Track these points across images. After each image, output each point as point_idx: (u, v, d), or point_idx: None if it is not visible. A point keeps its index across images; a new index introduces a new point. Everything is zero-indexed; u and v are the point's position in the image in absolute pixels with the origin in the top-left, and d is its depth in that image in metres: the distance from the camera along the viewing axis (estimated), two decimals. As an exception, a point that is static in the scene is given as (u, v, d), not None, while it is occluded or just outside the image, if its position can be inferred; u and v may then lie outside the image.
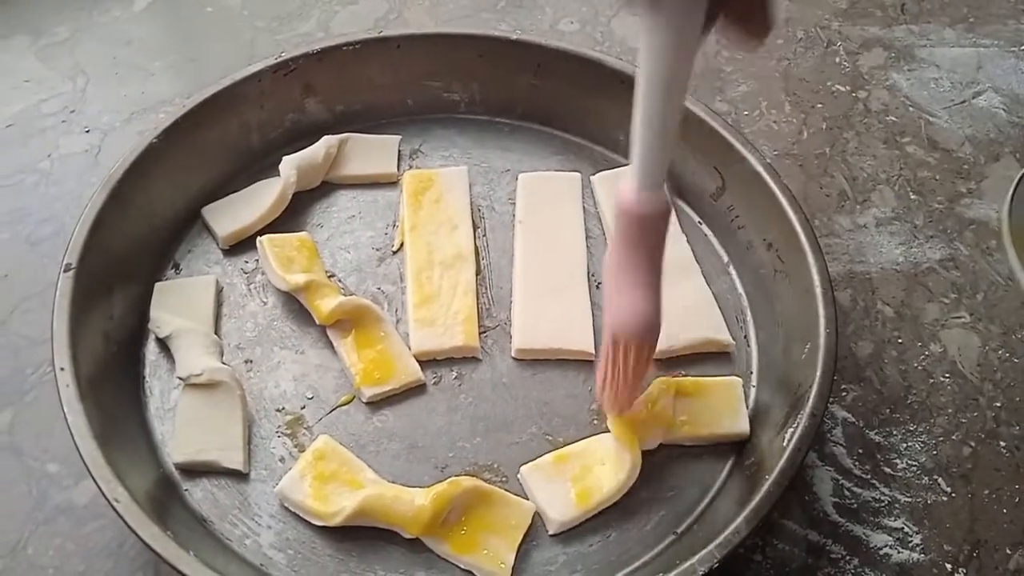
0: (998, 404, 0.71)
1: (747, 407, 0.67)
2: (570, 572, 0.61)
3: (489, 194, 0.81)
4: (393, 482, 0.63)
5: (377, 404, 0.68)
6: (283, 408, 0.67)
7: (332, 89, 0.82)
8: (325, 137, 0.80)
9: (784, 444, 0.60)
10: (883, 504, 0.66)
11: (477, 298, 0.73)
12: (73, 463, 0.64)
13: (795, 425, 0.61)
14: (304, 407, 0.67)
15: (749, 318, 0.73)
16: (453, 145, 0.84)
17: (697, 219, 0.79)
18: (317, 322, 0.70)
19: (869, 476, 0.67)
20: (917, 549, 0.64)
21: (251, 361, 0.69)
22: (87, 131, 0.88)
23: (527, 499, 0.63)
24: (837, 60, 0.97)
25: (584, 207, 0.79)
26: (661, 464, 0.65)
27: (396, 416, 0.67)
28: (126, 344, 0.69)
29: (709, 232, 0.78)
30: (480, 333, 0.71)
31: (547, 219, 0.78)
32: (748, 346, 0.72)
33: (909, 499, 0.66)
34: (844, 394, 0.71)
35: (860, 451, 0.68)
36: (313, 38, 0.97)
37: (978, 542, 0.64)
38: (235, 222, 0.76)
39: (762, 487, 0.58)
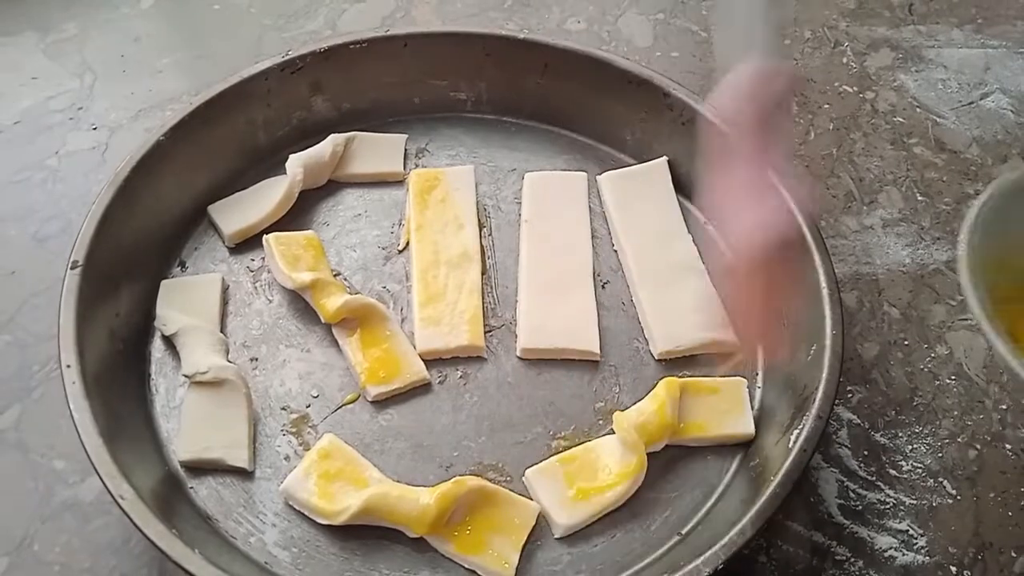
0: (1004, 407, 0.71)
1: (752, 408, 0.67)
2: (574, 572, 0.61)
3: (495, 193, 0.81)
4: (398, 481, 0.63)
5: (382, 403, 0.68)
6: (288, 406, 0.67)
7: (339, 87, 0.83)
8: (332, 135, 0.80)
9: (789, 446, 0.60)
10: (888, 506, 0.65)
11: (483, 297, 0.73)
12: (79, 460, 0.64)
13: (801, 427, 0.61)
14: (309, 405, 0.67)
15: (755, 319, 0.73)
16: (460, 144, 0.84)
17: (703, 220, 0.79)
18: (323, 320, 0.70)
19: (874, 478, 0.67)
20: (922, 551, 0.64)
21: (257, 359, 0.70)
22: (94, 128, 0.88)
23: (532, 499, 0.63)
24: (844, 60, 0.97)
25: (590, 207, 0.79)
26: (666, 465, 0.65)
27: (401, 415, 0.67)
28: (132, 342, 0.69)
29: (715, 233, 0.78)
30: (485, 332, 0.71)
31: (553, 219, 0.78)
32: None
33: (914, 501, 0.66)
34: (850, 395, 0.71)
35: (865, 453, 0.68)
36: (320, 36, 0.97)
37: (983, 545, 0.64)
38: (241, 220, 0.76)
39: (767, 489, 0.58)
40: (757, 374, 0.70)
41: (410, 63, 0.83)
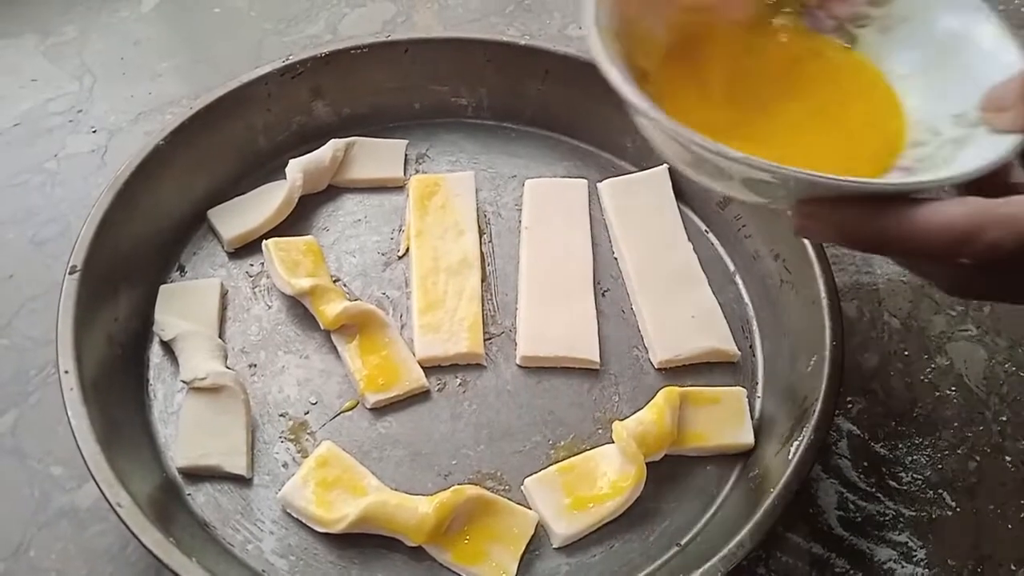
0: (1004, 418, 0.71)
1: (752, 418, 0.67)
2: (573, 583, 0.61)
3: (496, 200, 0.81)
4: (396, 489, 0.63)
5: (381, 410, 0.67)
6: (287, 413, 0.67)
7: (339, 92, 0.82)
8: (332, 140, 0.80)
9: (789, 457, 0.60)
10: (888, 518, 0.65)
11: (482, 305, 0.73)
12: (76, 466, 0.64)
13: (800, 438, 0.60)
14: (308, 412, 0.67)
15: (755, 328, 0.73)
16: (460, 150, 0.84)
17: (704, 228, 0.79)
18: (322, 327, 0.70)
19: (874, 489, 0.67)
20: (921, 564, 0.63)
21: (255, 365, 0.69)
22: (94, 131, 0.88)
23: (530, 508, 0.63)
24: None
25: (591, 214, 0.79)
26: (665, 475, 0.65)
27: (400, 423, 0.67)
28: (130, 347, 0.68)
29: (716, 241, 0.78)
30: (485, 340, 0.71)
31: (554, 226, 0.77)
32: (754, 357, 0.72)
33: (914, 513, 0.66)
34: (850, 406, 0.71)
35: (865, 464, 0.68)
36: (321, 40, 0.97)
37: (983, 557, 0.64)
38: (241, 225, 0.75)
39: (766, 500, 0.58)
40: (757, 384, 0.70)
41: (411, 68, 0.83)
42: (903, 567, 0.63)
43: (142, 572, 0.61)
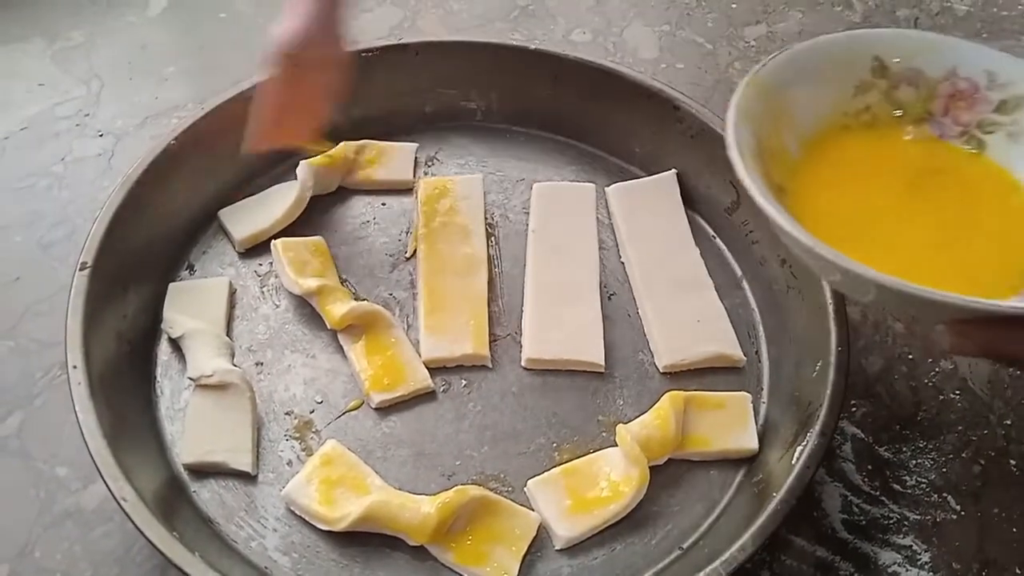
0: (1008, 422, 0.71)
1: (756, 423, 0.67)
2: (575, 584, 0.61)
3: (503, 203, 0.81)
4: (399, 489, 0.63)
5: (386, 410, 0.68)
6: (292, 411, 0.67)
7: (350, 94, 0.82)
8: (343, 142, 0.80)
9: (793, 462, 0.60)
10: (892, 521, 0.65)
11: (488, 306, 0.73)
12: (81, 467, 0.65)
13: (804, 443, 0.60)
14: (313, 411, 0.67)
15: (761, 333, 0.73)
16: (469, 153, 0.85)
17: (711, 233, 0.79)
18: (328, 327, 0.70)
19: (878, 493, 0.66)
20: (926, 567, 0.63)
21: (262, 364, 0.70)
22: (100, 135, 0.88)
23: (533, 510, 0.63)
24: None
25: (598, 218, 0.79)
26: (668, 478, 0.65)
27: (404, 423, 0.67)
28: (139, 344, 0.69)
29: (723, 246, 0.78)
30: (490, 342, 0.71)
31: (561, 229, 0.78)
32: (759, 362, 0.72)
33: (918, 516, 0.65)
34: (854, 409, 0.71)
35: (869, 467, 0.68)
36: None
37: (987, 561, 0.64)
38: (252, 226, 0.76)
39: (769, 504, 0.58)
40: (762, 389, 0.70)
41: (421, 72, 0.84)
42: (907, 570, 0.63)
43: (147, 573, 0.61)
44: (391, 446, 0.66)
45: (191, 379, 0.66)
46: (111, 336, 0.66)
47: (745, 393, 0.68)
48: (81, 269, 0.65)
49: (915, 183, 0.58)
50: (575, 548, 0.62)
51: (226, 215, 0.77)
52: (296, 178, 0.78)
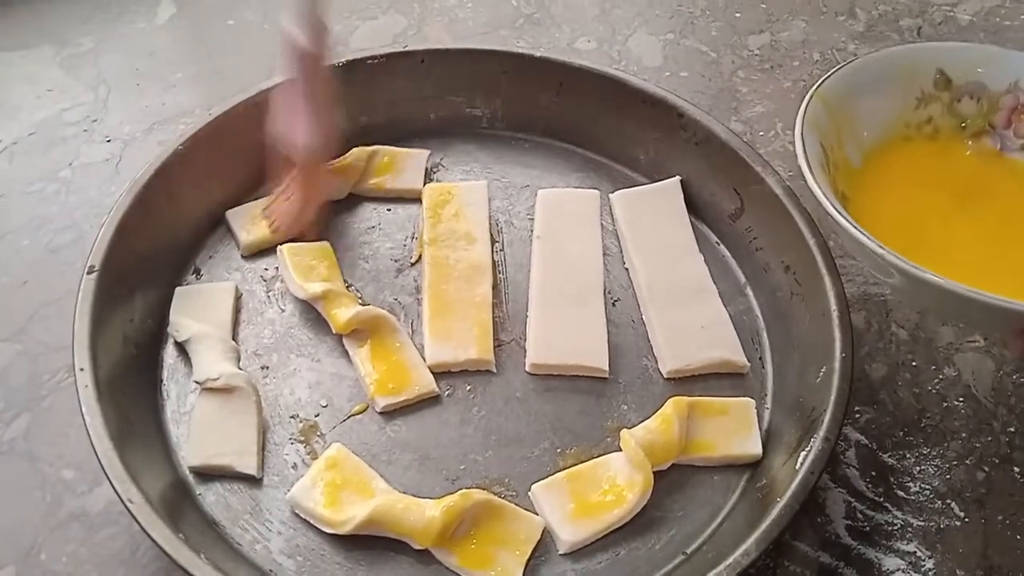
0: (1012, 429, 0.71)
1: (760, 429, 0.67)
2: (578, 589, 0.61)
3: (508, 209, 0.81)
4: (404, 492, 0.63)
5: (391, 414, 0.68)
6: (297, 415, 0.67)
7: (356, 101, 0.83)
8: (355, 149, 0.81)
9: (797, 467, 0.60)
10: (896, 527, 0.65)
11: (493, 312, 0.73)
12: (88, 470, 0.65)
13: (808, 449, 0.60)
14: (318, 415, 0.68)
15: (765, 340, 0.73)
16: (474, 160, 0.85)
17: (715, 239, 0.79)
18: (334, 331, 0.70)
19: (882, 499, 0.66)
20: (930, 574, 0.63)
21: (267, 367, 0.70)
22: (108, 141, 0.89)
23: (537, 514, 0.63)
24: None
25: (602, 224, 0.79)
26: (672, 484, 0.65)
27: (409, 427, 0.67)
28: (145, 347, 0.69)
29: (727, 253, 0.79)
30: (495, 347, 0.71)
31: (565, 235, 0.78)
32: (763, 368, 0.72)
33: (922, 523, 0.65)
34: (858, 416, 0.71)
35: (873, 474, 0.68)
36: (333, 52, 0.97)
37: (991, 568, 0.64)
38: (258, 231, 0.76)
39: (773, 510, 0.58)
40: (766, 395, 0.70)
41: (427, 79, 0.84)
42: (911, 577, 0.63)
43: (152, 575, 0.61)
44: (396, 450, 0.66)
45: (197, 382, 0.66)
46: (118, 339, 0.66)
47: (749, 399, 0.68)
48: (88, 273, 0.65)
49: (974, 194, 0.59)
50: (579, 552, 0.62)
51: (233, 216, 0.77)
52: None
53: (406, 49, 0.83)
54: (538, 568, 0.61)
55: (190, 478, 0.64)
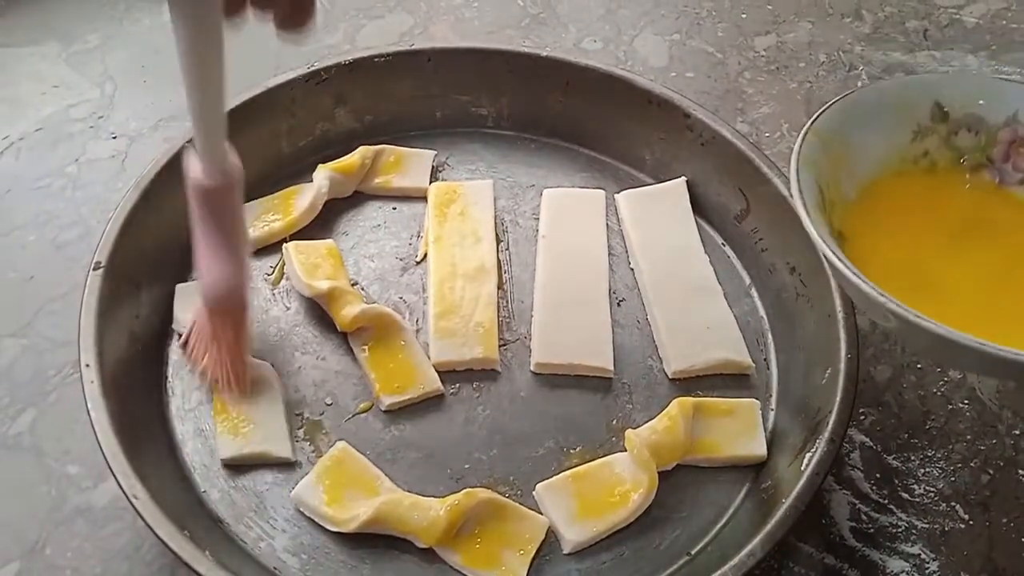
0: (1017, 432, 0.70)
1: (765, 430, 0.67)
2: (583, 588, 0.61)
3: (513, 208, 0.81)
4: (409, 491, 0.63)
5: (395, 413, 0.68)
6: (302, 413, 0.67)
7: (362, 100, 0.83)
8: (361, 148, 0.81)
9: (802, 468, 0.60)
10: (900, 529, 0.65)
11: (498, 311, 0.73)
12: (93, 465, 0.65)
13: (813, 450, 0.60)
14: (323, 413, 0.67)
15: (770, 341, 0.73)
16: (480, 159, 0.85)
17: (720, 240, 0.79)
18: (339, 329, 0.70)
19: (886, 501, 0.66)
20: (934, 576, 0.63)
21: (272, 365, 0.69)
22: (114, 137, 0.88)
23: (542, 514, 0.63)
24: (859, 84, 0.98)
25: (608, 224, 0.79)
26: (677, 484, 0.65)
27: (414, 425, 0.67)
28: (150, 343, 0.69)
29: (732, 254, 0.78)
30: (500, 346, 0.71)
31: (570, 235, 0.78)
32: (768, 369, 0.72)
33: (927, 525, 0.65)
34: (862, 418, 0.71)
35: (878, 475, 0.68)
36: (339, 50, 0.97)
37: (996, 570, 0.64)
38: (264, 226, 0.76)
39: (778, 511, 0.58)
40: (771, 396, 0.70)
41: (433, 78, 0.84)
42: (916, 579, 0.63)
43: (157, 571, 0.61)
44: (401, 448, 0.66)
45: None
46: (124, 335, 0.66)
47: (754, 400, 0.68)
48: (95, 269, 0.65)
49: (973, 230, 0.58)
50: (583, 552, 0.62)
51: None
52: (306, 180, 0.78)
53: (412, 48, 0.83)
54: (542, 568, 0.61)
55: (194, 475, 0.64)
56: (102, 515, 0.64)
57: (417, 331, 0.72)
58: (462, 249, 0.76)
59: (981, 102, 0.59)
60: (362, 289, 0.75)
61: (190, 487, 0.63)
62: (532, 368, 0.71)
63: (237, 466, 0.64)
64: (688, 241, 0.78)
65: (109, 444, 0.57)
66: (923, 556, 0.64)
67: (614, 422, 0.68)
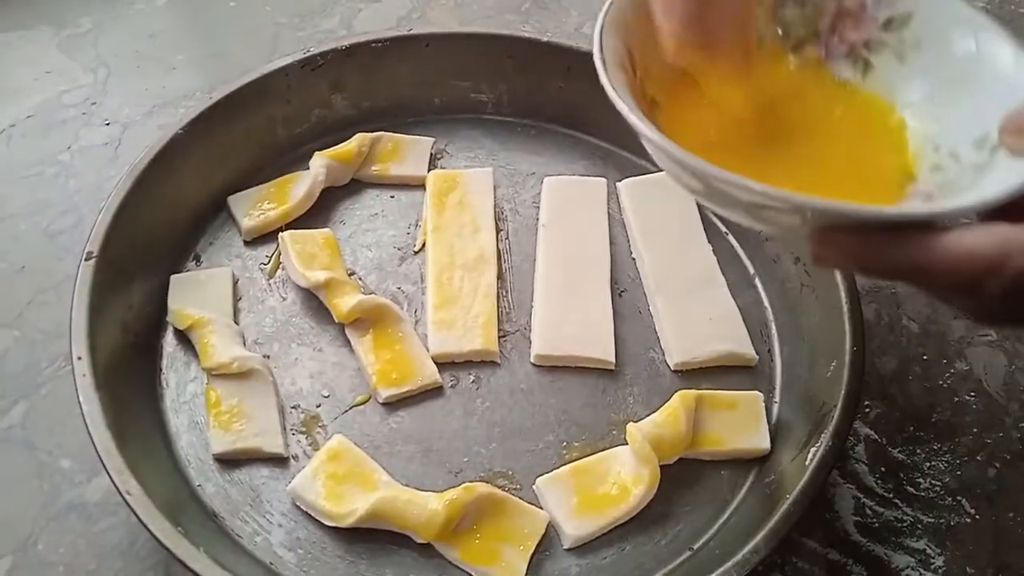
0: (1024, 425, 0.70)
1: (769, 423, 0.66)
2: (583, 584, 0.60)
3: (513, 197, 0.80)
4: (406, 485, 0.62)
5: (393, 405, 0.67)
6: (299, 406, 0.67)
7: (359, 86, 0.82)
8: (358, 135, 0.80)
9: (806, 463, 0.59)
10: (905, 524, 0.65)
11: (498, 301, 0.72)
12: (86, 459, 0.64)
13: (818, 444, 0.60)
14: (320, 405, 0.67)
15: (774, 332, 0.72)
16: (479, 146, 0.84)
17: (724, 230, 0.78)
18: (336, 320, 0.69)
19: (891, 495, 0.66)
20: (939, 571, 0.63)
21: (268, 356, 0.69)
22: (107, 124, 0.87)
23: (541, 508, 0.62)
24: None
25: (609, 213, 0.78)
26: (679, 478, 0.64)
27: (412, 418, 0.67)
28: (144, 335, 0.68)
29: (735, 243, 0.78)
30: (499, 337, 0.70)
31: (571, 224, 0.77)
32: (772, 361, 0.71)
33: (932, 520, 0.65)
34: (867, 410, 0.70)
35: (883, 469, 0.67)
36: (336, 35, 0.97)
37: (1002, 565, 0.63)
38: (260, 215, 0.75)
39: (782, 506, 0.57)
40: (774, 389, 0.70)
41: (431, 63, 0.83)
42: (921, 574, 0.62)
43: (151, 567, 0.61)
44: (398, 442, 0.65)
45: (207, 369, 0.65)
46: (116, 327, 0.65)
47: (757, 392, 0.67)
48: (87, 259, 0.64)
49: (795, 104, 0.56)
50: (584, 547, 0.61)
51: (235, 202, 0.76)
52: (302, 167, 0.77)
53: (410, 33, 0.82)
54: (542, 563, 0.61)
55: (189, 469, 0.63)
56: (95, 510, 0.63)
57: (415, 322, 0.71)
58: (461, 238, 0.75)
59: None
60: (359, 279, 0.74)
61: (185, 481, 0.62)
62: (532, 360, 0.70)
63: (232, 460, 0.64)
64: (691, 230, 0.77)
65: (102, 439, 0.56)
66: (929, 551, 0.63)
67: (615, 415, 0.67)
